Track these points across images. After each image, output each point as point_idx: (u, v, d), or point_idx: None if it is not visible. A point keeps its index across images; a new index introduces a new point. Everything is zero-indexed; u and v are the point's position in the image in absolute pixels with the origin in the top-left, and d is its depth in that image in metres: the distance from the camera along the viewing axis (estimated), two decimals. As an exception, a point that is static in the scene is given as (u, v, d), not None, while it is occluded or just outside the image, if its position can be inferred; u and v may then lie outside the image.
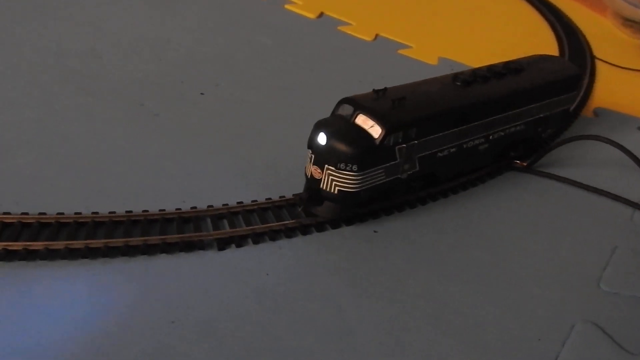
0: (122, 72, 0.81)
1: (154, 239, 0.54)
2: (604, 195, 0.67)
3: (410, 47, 0.98)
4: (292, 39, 0.97)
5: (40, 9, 0.95)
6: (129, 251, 0.52)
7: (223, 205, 0.58)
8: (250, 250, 0.54)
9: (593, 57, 1.05)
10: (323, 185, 0.54)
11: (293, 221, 0.56)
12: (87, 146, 0.65)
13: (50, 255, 0.51)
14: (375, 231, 0.58)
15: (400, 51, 0.97)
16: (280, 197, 0.59)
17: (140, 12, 0.99)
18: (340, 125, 0.54)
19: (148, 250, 0.53)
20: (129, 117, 0.71)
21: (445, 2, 1.22)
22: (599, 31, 1.18)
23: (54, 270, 0.50)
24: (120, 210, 0.55)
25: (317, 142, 0.53)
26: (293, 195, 0.58)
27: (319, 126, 0.54)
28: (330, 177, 0.53)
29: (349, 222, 0.57)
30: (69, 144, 0.66)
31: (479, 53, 0.99)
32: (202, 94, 0.76)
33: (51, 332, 0.45)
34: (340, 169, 0.53)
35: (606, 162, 0.73)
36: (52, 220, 0.54)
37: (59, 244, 0.52)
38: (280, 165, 0.65)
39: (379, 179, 0.55)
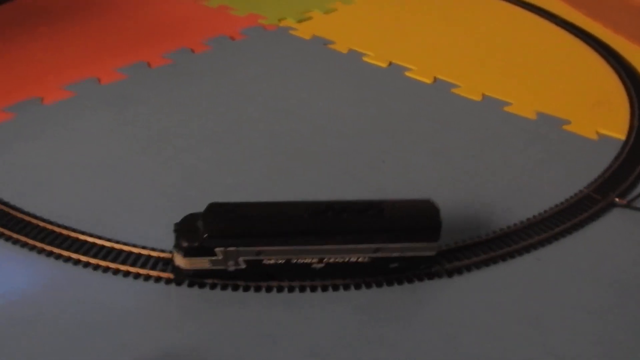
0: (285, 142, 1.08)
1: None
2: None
3: (511, 104, 1.22)
4: (416, 104, 1.21)
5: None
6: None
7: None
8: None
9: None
10: (174, 257, 0.75)
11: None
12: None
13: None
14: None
15: (506, 108, 1.21)
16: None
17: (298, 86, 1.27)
18: (186, 223, 0.74)
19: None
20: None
21: (531, 55, 1.45)
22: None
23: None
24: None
25: (173, 229, 0.74)
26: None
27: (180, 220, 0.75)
28: (175, 253, 0.74)
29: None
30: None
31: (565, 104, 1.24)
32: (383, 161, 1.02)
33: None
34: (176, 251, 0.74)
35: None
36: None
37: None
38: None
39: (204, 266, 0.74)
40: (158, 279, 0.76)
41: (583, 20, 1.66)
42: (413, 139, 1.10)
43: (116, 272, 0.77)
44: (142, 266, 0.78)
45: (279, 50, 1.40)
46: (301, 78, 1.29)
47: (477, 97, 1.24)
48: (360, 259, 0.74)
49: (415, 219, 0.75)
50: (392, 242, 0.73)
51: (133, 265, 0.78)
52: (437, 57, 1.41)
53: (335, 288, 0.75)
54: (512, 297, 0.78)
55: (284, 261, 0.73)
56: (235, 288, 0.75)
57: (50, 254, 0.79)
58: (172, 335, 0.69)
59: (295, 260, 0.73)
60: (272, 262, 0.72)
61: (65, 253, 0.79)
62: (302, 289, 0.75)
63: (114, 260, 0.78)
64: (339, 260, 0.73)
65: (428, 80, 1.30)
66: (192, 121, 1.11)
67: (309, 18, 1.59)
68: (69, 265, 0.77)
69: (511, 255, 0.84)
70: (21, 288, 0.75)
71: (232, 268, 0.73)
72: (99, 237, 0.81)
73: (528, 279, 0.81)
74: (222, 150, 1.03)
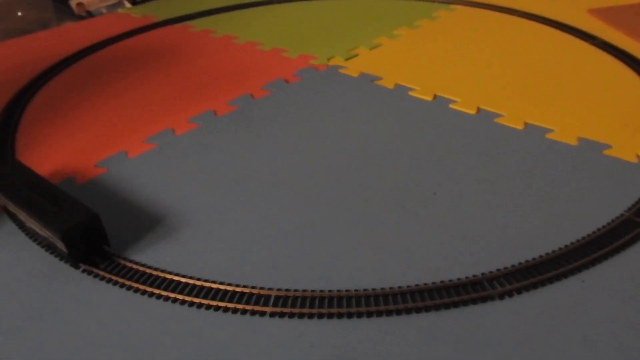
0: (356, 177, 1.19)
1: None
2: None
3: (553, 130, 1.30)
4: (461, 135, 1.30)
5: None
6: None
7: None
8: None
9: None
10: None
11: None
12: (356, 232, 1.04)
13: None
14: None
15: (547, 135, 1.29)
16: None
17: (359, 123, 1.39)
18: None
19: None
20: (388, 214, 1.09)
21: (572, 79, 1.52)
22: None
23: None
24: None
25: None
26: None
27: None
28: None
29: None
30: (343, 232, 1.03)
31: (606, 128, 1.30)
32: (434, 193, 1.12)
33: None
34: None
35: None
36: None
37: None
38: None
39: None
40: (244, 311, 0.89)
41: (623, 40, 1.71)
42: (460, 170, 1.19)
43: (208, 307, 0.89)
44: (229, 300, 0.90)
45: (330, 89, 1.52)
46: (353, 115, 1.40)
47: (519, 126, 1.32)
48: (39, 232, 0.91)
49: (55, 216, 0.87)
50: (42, 226, 0.87)
51: (221, 300, 0.90)
52: (479, 87, 1.50)
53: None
54: (560, 318, 0.85)
55: (14, 212, 0.96)
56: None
57: (152, 294, 0.92)
58: None
59: (18, 216, 0.95)
60: (11, 210, 0.96)
61: (157, 291, 0.92)
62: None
63: (205, 297, 0.91)
64: (31, 225, 0.92)
65: (472, 111, 1.39)
66: (260, 163, 1.23)
67: (356, 55, 1.70)
68: (163, 301, 0.91)
69: (557, 278, 0.92)
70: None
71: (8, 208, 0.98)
72: (184, 276, 0.94)
73: (574, 301, 0.88)
74: (291, 189, 1.15)
